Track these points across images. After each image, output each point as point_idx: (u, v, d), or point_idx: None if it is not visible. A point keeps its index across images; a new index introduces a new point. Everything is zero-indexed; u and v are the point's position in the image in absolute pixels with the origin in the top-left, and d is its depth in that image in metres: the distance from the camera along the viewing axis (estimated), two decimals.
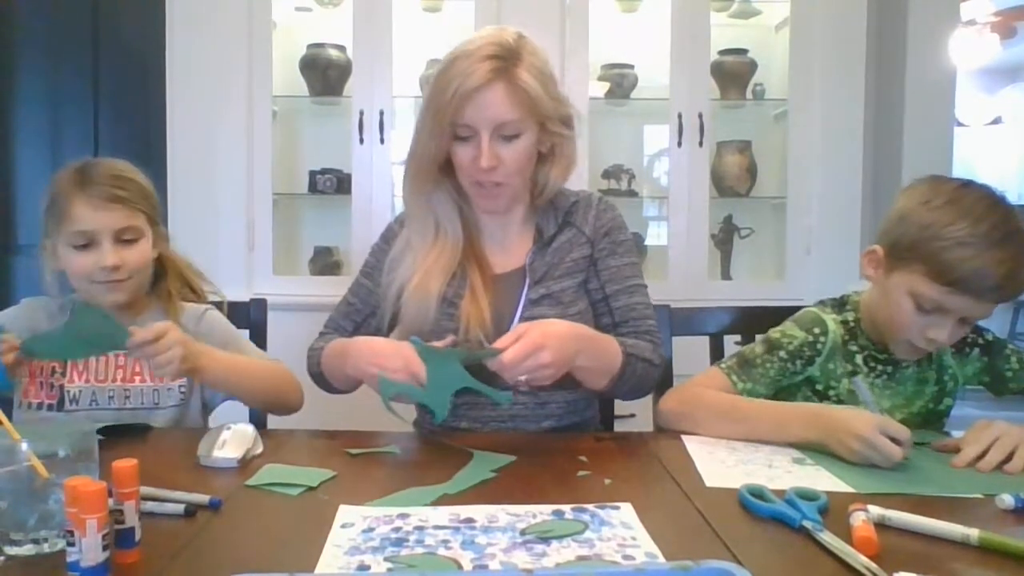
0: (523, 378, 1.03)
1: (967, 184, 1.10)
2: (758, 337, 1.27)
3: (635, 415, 1.79)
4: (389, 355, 1.09)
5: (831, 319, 1.21)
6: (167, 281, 1.35)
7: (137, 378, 1.28)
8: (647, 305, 1.29)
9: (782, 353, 1.20)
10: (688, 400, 1.19)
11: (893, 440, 0.97)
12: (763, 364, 1.20)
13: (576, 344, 1.08)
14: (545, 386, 1.08)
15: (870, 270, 1.18)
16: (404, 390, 1.07)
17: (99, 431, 1.08)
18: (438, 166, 1.23)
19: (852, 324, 1.22)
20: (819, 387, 1.21)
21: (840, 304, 1.26)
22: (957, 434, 1.10)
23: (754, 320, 1.46)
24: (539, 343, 1.01)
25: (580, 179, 2.49)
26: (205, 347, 1.20)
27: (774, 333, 1.23)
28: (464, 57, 1.15)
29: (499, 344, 1.02)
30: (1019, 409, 1.31)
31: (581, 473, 0.97)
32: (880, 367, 1.21)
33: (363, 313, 1.34)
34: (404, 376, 1.06)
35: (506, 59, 1.15)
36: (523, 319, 1.21)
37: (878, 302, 1.18)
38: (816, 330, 1.20)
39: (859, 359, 1.21)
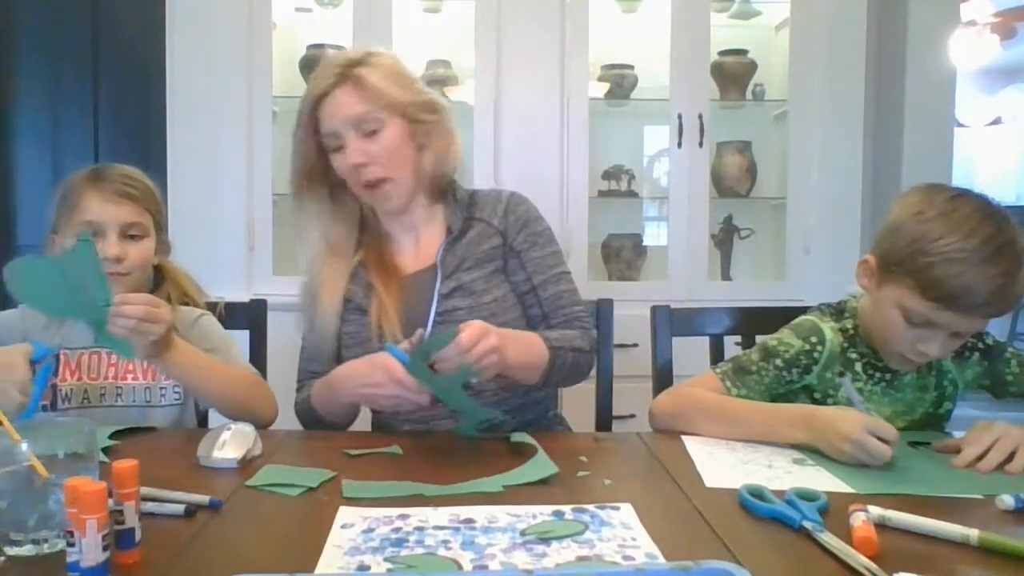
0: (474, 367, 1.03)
1: (961, 195, 1.07)
2: (758, 340, 1.27)
3: (635, 415, 1.80)
4: (367, 373, 1.11)
5: (828, 327, 1.19)
6: (166, 287, 1.36)
7: (130, 376, 1.28)
8: (573, 292, 1.33)
9: (778, 361, 1.18)
10: (680, 401, 1.20)
11: (882, 440, 0.97)
12: (759, 372, 1.18)
13: (502, 339, 1.08)
14: (488, 382, 1.12)
15: (864, 280, 1.16)
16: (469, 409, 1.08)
17: (110, 436, 1.10)
18: (313, 178, 1.29)
19: (851, 332, 1.20)
20: (817, 395, 1.20)
21: (839, 311, 1.24)
22: (958, 435, 1.10)
23: (754, 321, 1.46)
24: (485, 329, 1.04)
25: (580, 179, 2.50)
26: (180, 340, 1.20)
27: (771, 340, 1.21)
28: (315, 75, 1.26)
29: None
30: (1020, 410, 1.31)
31: (581, 473, 0.97)
32: (879, 375, 1.19)
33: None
34: (392, 387, 1.06)
35: (349, 65, 1.24)
36: (437, 314, 1.25)
37: (871, 312, 1.17)
38: (813, 339, 1.18)
39: (858, 367, 1.19)
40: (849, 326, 1.20)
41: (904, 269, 1.06)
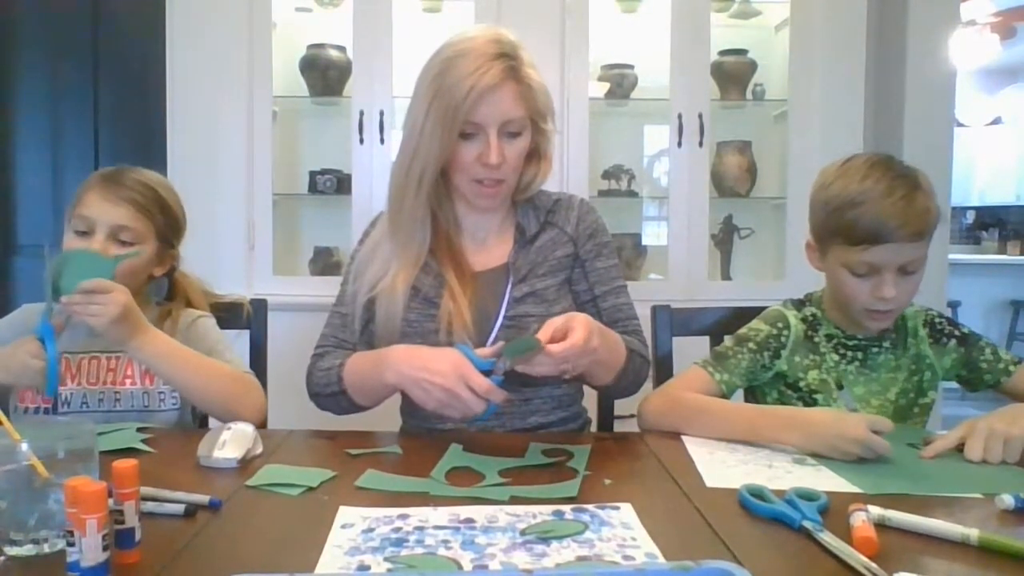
0: (568, 365, 1.02)
1: (851, 156, 1.21)
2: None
3: (635, 415, 1.79)
4: (432, 358, 1.06)
5: (792, 315, 1.29)
6: (173, 301, 1.36)
7: (128, 381, 1.27)
8: (631, 306, 1.33)
9: (751, 344, 1.27)
10: (669, 401, 1.22)
11: (878, 433, 0.99)
12: (735, 355, 1.26)
13: (600, 336, 1.06)
14: (579, 376, 1.11)
15: (814, 262, 1.27)
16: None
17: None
18: (440, 166, 1.21)
19: (812, 318, 1.28)
20: (789, 380, 1.27)
21: (800, 303, 1.33)
22: (941, 434, 1.09)
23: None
24: (591, 328, 1.02)
25: (580, 179, 2.50)
26: (154, 329, 1.19)
27: (743, 329, 1.30)
28: (467, 56, 1.14)
29: (540, 336, 1.00)
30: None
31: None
32: (851, 353, 1.26)
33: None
34: (454, 381, 1.02)
35: (512, 57, 1.16)
36: (507, 317, 1.23)
37: (831, 288, 1.26)
38: (779, 324, 1.28)
39: (825, 349, 1.26)
40: (809, 313, 1.29)
41: (829, 232, 1.19)
